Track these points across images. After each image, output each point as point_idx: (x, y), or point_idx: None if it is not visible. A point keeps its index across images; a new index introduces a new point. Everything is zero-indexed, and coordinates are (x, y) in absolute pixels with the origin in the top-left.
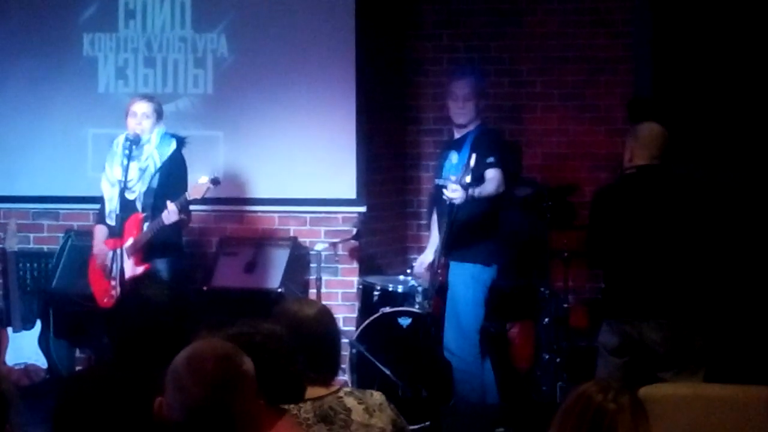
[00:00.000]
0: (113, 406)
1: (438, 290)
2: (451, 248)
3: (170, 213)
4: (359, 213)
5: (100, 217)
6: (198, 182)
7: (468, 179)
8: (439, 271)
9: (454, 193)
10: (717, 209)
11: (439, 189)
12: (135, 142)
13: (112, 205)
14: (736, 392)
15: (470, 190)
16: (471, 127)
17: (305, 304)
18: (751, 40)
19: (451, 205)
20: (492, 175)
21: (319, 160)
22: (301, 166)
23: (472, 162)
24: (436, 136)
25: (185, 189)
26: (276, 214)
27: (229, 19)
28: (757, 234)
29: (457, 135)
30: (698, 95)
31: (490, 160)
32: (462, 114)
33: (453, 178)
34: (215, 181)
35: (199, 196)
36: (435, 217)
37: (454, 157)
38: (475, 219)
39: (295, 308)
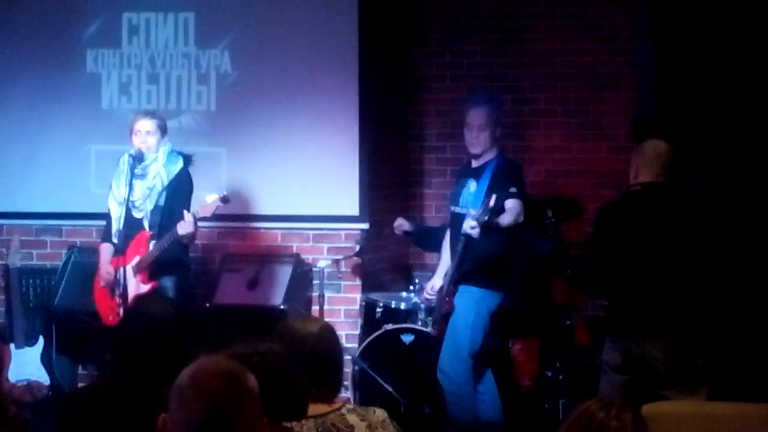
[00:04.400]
0: (116, 424)
1: (444, 316)
2: (461, 275)
3: (186, 223)
4: (362, 230)
5: (107, 236)
6: (207, 200)
7: (486, 218)
8: (446, 298)
9: (472, 230)
10: (721, 227)
11: (455, 216)
12: (139, 159)
13: (119, 224)
14: (739, 410)
15: (488, 221)
16: (489, 156)
17: (308, 322)
18: (754, 56)
19: (466, 234)
20: (512, 205)
21: (322, 176)
22: (304, 182)
23: (492, 202)
24: (440, 152)
25: (188, 206)
26: (279, 231)
27: (233, 35)
28: (761, 251)
29: (475, 163)
30: (702, 112)
31: (512, 190)
32: (477, 143)
33: (473, 212)
34: (225, 199)
35: (208, 215)
36: (446, 242)
37: (472, 185)
38: (489, 247)
39: (298, 326)
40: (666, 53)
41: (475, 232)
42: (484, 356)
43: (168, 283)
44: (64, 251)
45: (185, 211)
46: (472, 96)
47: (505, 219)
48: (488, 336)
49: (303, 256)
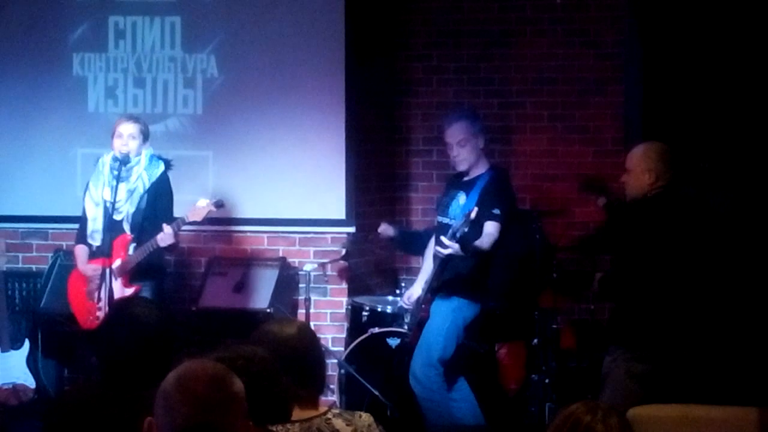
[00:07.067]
0: (102, 427)
1: (419, 323)
2: (440, 285)
3: (166, 236)
4: (348, 233)
5: (81, 237)
6: (198, 204)
7: (466, 230)
8: (423, 306)
9: (446, 250)
10: (715, 232)
11: (441, 226)
12: (124, 162)
13: (96, 225)
14: (724, 413)
15: (467, 241)
16: (480, 170)
17: (285, 324)
18: (739, 60)
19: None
20: (490, 230)
21: (308, 180)
22: (290, 186)
23: (473, 215)
24: (426, 156)
25: (171, 211)
26: (265, 235)
27: (219, 39)
28: (754, 254)
29: (466, 176)
30: (688, 116)
31: (495, 211)
32: (460, 161)
33: (454, 224)
34: (219, 204)
35: (199, 219)
36: (429, 250)
37: (462, 198)
38: (469, 260)
39: (276, 329)
40: (652, 57)
41: (454, 249)
42: (456, 364)
43: (147, 287)
44: (50, 254)
45: (164, 225)
46: (445, 115)
47: (483, 243)
48: (461, 345)
49: (289, 260)
